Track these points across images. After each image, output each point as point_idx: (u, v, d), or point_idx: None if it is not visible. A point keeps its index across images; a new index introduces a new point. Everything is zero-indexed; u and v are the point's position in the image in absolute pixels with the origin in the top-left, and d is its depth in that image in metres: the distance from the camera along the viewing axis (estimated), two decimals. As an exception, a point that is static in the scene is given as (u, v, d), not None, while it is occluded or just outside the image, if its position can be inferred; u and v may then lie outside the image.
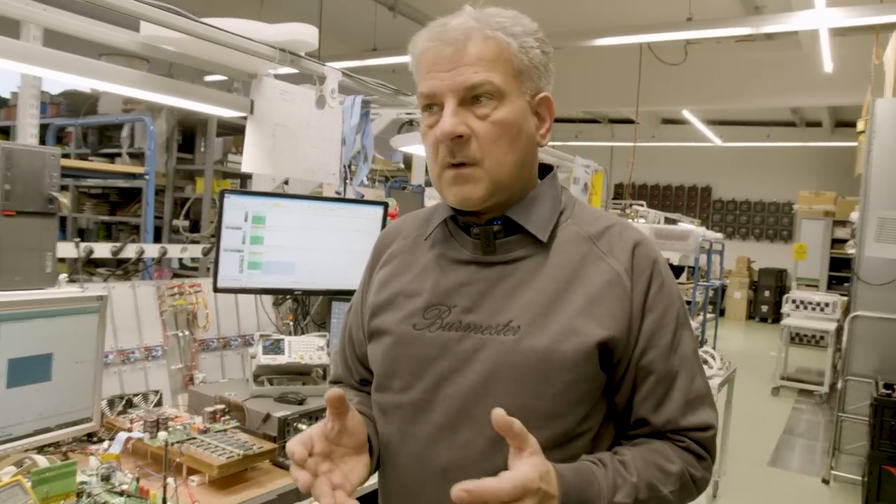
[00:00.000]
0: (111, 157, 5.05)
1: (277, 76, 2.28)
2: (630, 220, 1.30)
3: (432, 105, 0.99)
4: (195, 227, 4.70)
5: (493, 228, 1.02)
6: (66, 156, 5.21)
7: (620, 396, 1.02)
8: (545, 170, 1.11)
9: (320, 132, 2.30)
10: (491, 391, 0.97)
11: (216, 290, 2.09)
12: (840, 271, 9.56)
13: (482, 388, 0.97)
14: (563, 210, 1.06)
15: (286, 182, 2.62)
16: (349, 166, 2.57)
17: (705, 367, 3.43)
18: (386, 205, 2.34)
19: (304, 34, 2.02)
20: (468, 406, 0.98)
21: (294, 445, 0.93)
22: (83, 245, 1.95)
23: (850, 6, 5.15)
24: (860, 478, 4.09)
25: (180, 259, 4.18)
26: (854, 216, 4.92)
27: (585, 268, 1.00)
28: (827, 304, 7.16)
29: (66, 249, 1.86)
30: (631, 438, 1.04)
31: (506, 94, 0.97)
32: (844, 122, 11.61)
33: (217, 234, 2.04)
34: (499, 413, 0.83)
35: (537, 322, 0.97)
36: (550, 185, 1.08)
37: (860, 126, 4.73)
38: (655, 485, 0.97)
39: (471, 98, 0.96)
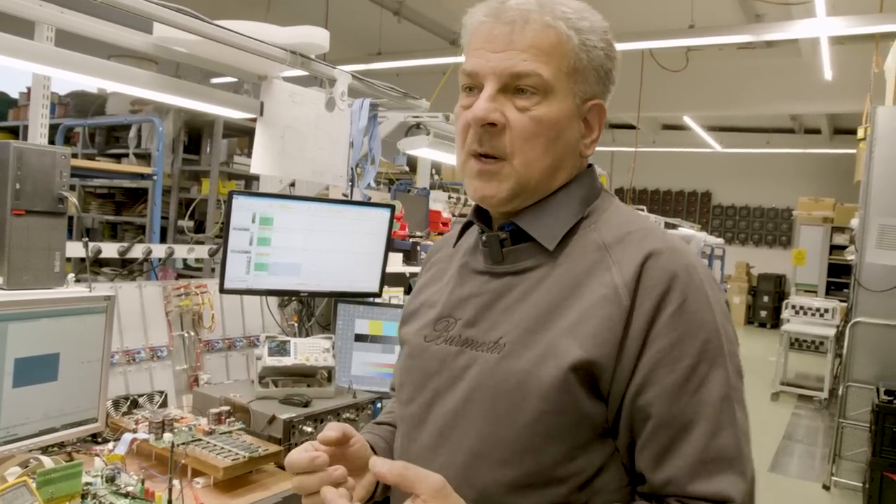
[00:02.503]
0: (118, 158, 5.04)
1: (286, 78, 2.27)
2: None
3: (472, 86, 0.90)
4: (200, 227, 4.69)
5: (500, 235, 0.93)
6: (73, 155, 5.18)
7: (620, 441, 0.85)
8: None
9: (329, 134, 2.28)
10: (467, 413, 0.88)
11: (223, 291, 2.07)
12: (839, 277, 9.54)
13: (461, 410, 0.89)
14: (587, 215, 0.92)
15: (292, 185, 2.60)
16: (356, 168, 2.55)
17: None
18: (393, 207, 2.32)
19: (315, 37, 2.00)
20: (446, 428, 0.90)
21: (296, 453, 0.86)
22: (91, 245, 1.93)
23: (850, 15, 5.14)
24: (861, 484, 4.07)
25: (184, 259, 4.16)
26: (854, 223, 4.90)
27: (589, 280, 0.86)
28: (826, 310, 7.14)
29: (75, 249, 1.84)
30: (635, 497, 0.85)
31: (553, 91, 0.87)
32: (843, 130, 11.61)
33: (224, 236, 2.02)
34: (372, 463, 0.76)
35: (523, 340, 0.86)
36: (577, 187, 0.94)
37: (860, 133, 4.72)
38: None
39: (514, 87, 0.87)
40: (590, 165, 0.98)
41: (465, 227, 1.03)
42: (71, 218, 5.09)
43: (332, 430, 0.87)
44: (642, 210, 8.60)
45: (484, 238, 0.95)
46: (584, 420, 0.83)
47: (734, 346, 0.84)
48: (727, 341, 0.84)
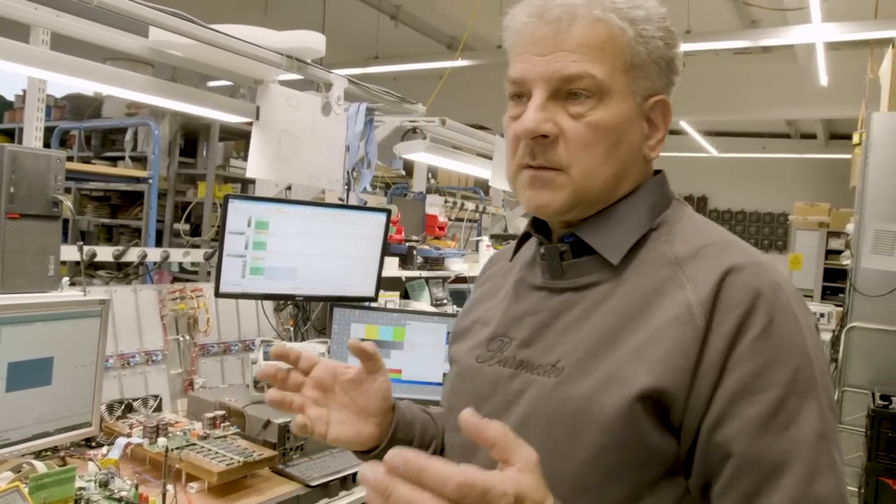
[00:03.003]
0: (114, 161, 5.03)
1: (282, 83, 2.26)
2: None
3: (520, 94, 0.82)
4: (196, 230, 4.68)
5: (560, 248, 0.84)
6: (69, 159, 5.18)
7: (693, 481, 0.74)
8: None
9: (325, 139, 2.28)
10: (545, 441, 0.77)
11: (218, 295, 2.06)
12: (834, 282, 9.55)
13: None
14: (657, 226, 0.83)
15: (288, 188, 2.60)
16: (352, 173, 2.55)
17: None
18: (389, 211, 2.32)
19: (311, 41, 2.00)
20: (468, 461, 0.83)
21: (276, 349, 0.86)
22: (86, 248, 1.92)
23: (846, 21, 5.16)
24: (857, 489, 4.07)
25: (180, 263, 4.16)
26: (850, 228, 4.91)
27: (659, 298, 0.76)
28: (822, 315, 7.14)
29: (70, 252, 1.83)
30: None
31: (609, 92, 0.78)
32: (839, 135, 11.64)
33: (220, 240, 2.01)
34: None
35: (583, 364, 0.77)
36: (645, 195, 0.84)
37: (855, 139, 4.73)
38: None
39: (565, 92, 0.78)
40: (659, 171, 0.89)
41: (523, 239, 0.94)
42: (66, 221, 5.07)
43: (267, 367, 0.85)
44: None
45: (542, 251, 0.86)
46: (652, 456, 0.73)
47: (827, 377, 0.74)
48: (820, 372, 0.72)
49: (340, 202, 2.49)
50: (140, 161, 4.79)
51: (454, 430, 0.88)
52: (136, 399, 1.94)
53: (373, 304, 2.38)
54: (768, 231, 13.99)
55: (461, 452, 0.83)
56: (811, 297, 9.60)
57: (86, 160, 5.08)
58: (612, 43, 0.78)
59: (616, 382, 0.73)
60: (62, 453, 1.70)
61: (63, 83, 1.89)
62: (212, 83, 5.26)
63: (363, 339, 0.91)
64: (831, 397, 0.73)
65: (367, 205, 2.53)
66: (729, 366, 0.71)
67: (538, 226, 0.90)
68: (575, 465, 0.74)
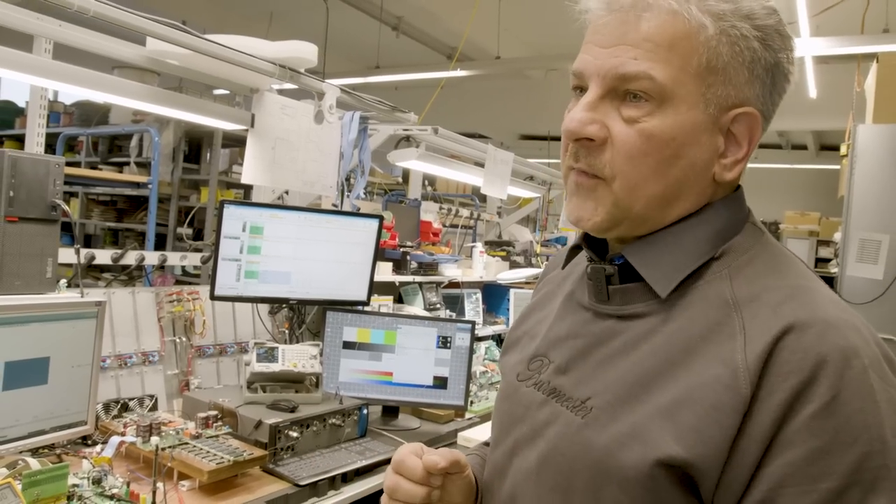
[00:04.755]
0: (120, 166, 5.05)
1: (280, 92, 2.28)
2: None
3: (580, 87, 0.71)
4: (199, 235, 4.69)
5: (607, 271, 0.73)
6: (76, 164, 5.21)
7: None
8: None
9: (319, 146, 2.29)
10: (540, 479, 0.72)
11: (213, 298, 2.07)
12: (823, 289, 9.56)
13: (534, 472, 0.73)
14: (720, 255, 0.69)
15: (286, 192, 2.61)
16: (348, 179, 2.56)
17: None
18: (381, 218, 2.32)
19: (304, 51, 2.01)
20: (518, 489, 0.75)
21: (409, 456, 0.78)
22: (85, 251, 1.93)
23: (833, 36, 5.18)
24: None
25: (183, 266, 4.16)
26: (837, 236, 4.92)
27: (705, 346, 0.64)
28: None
29: (69, 255, 1.84)
30: None
31: (672, 98, 0.65)
32: (828, 146, 11.66)
33: (216, 244, 2.02)
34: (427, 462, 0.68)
35: (613, 408, 0.67)
36: (710, 218, 0.70)
37: (843, 150, 4.73)
38: None
39: (622, 91, 0.67)
40: (738, 188, 0.74)
41: (574, 248, 0.83)
42: (73, 224, 5.10)
43: (443, 458, 0.76)
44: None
45: (589, 270, 0.76)
46: None
47: None
48: (887, 460, 0.57)
49: (335, 208, 2.50)
50: (145, 167, 4.80)
51: (492, 448, 0.84)
52: (133, 399, 1.94)
53: (365, 308, 2.38)
54: (760, 239, 14.02)
55: (494, 474, 0.80)
56: (801, 303, 9.60)
57: (93, 165, 5.11)
58: (686, 40, 0.65)
59: (640, 439, 0.63)
60: (58, 451, 1.70)
61: (69, 92, 1.90)
62: (217, 92, 5.29)
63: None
64: None
65: (361, 211, 2.53)
66: (777, 445, 0.58)
67: (592, 239, 0.78)
68: None
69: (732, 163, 0.70)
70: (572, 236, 4.63)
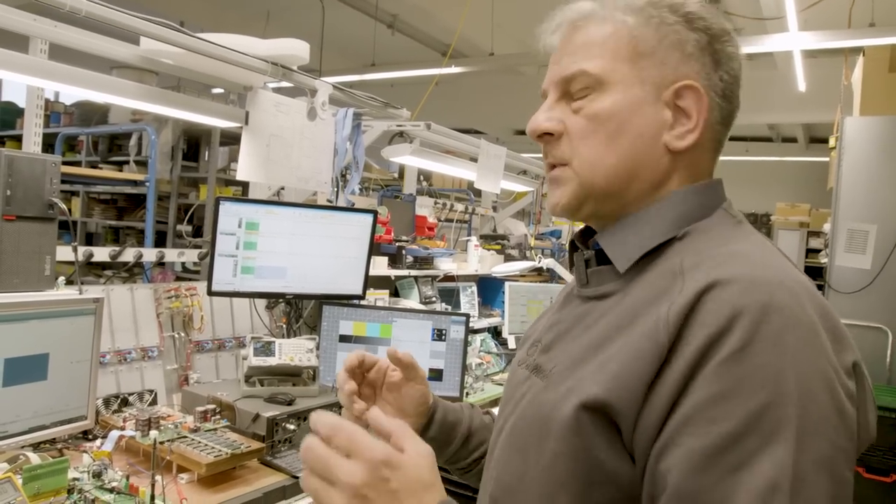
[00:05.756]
0: (120, 165, 5.04)
1: (276, 90, 2.27)
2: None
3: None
4: (198, 232, 4.68)
5: (585, 256, 0.80)
6: (77, 163, 5.19)
7: None
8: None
9: (313, 142, 2.28)
10: (506, 444, 0.77)
11: (210, 293, 2.06)
12: (814, 279, 9.55)
13: (503, 443, 0.78)
14: (682, 236, 0.73)
15: (282, 188, 2.60)
16: (344, 176, 2.55)
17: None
18: (375, 213, 2.32)
19: (295, 49, 2.00)
20: (495, 456, 0.80)
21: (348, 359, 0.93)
22: (83, 249, 1.92)
23: (821, 30, 5.17)
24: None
25: (183, 263, 4.16)
26: (826, 227, 4.92)
27: (647, 310, 0.68)
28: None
29: (69, 253, 1.84)
30: None
31: (608, 83, 0.74)
32: (818, 139, 11.66)
33: (212, 240, 2.01)
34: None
35: (565, 371, 0.72)
36: (677, 201, 0.75)
37: (832, 142, 4.73)
38: None
39: (570, 93, 0.77)
40: (717, 181, 0.79)
41: (572, 247, 0.87)
42: (74, 223, 5.10)
43: (349, 359, 0.91)
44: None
45: (574, 258, 0.83)
46: (605, 476, 0.65)
47: (828, 428, 0.58)
48: (810, 418, 0.58)
49: (329, 204, 2.49)
50: (145, 165, 4.80)
51: (494, 428, 0.87)
52: (132, 394, 1.94)
53: (361, 302, 2.38)
54: (751, 231, 14.03)
55: (490, 452, 0.84)
56: (792, 293, 9.61)
57: (93, 164, 5.10)
58: (612, 36, 0.74)
59: (575, 391, 0.68)
60: (59, 445, 1.70)
61: (68, 92, 1.89)
62: (215, 90, 5.27)
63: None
64: (823, 452, 0.58)
65: (355, 206, 2.53)
66: (688, 389, 0.60)
67: (587, 233, 0.85)
68: (537, 470, 0.70)
69: (683, 132, 0.74)
70: (566, 230, 4.63)
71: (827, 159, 7.05)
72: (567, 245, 0.93)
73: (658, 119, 0.74)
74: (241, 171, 2.13)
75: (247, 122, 2.10)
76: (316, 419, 0.63)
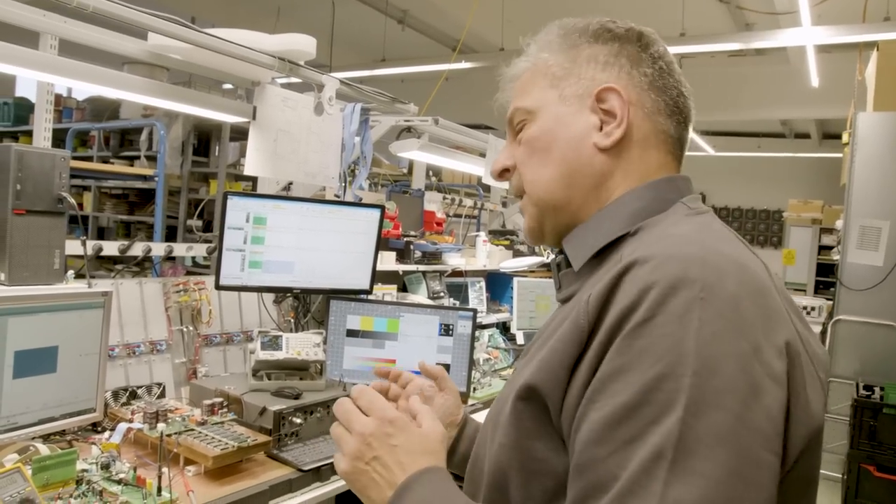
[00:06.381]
0: (131, 160, 5.07)
1: (284, 85, 2.27)
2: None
3: None
4: (209, 226, 4.70)
5: (556, 260, 0.84)
6: (88, 158, 5.23)
7: None
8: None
9: (320, 137, 2.29)
10: (482, 439, 0.83)
11: (218, 287, 2.07)
12: (826, 276, 9.49)
13: (477, 443, 0.85)
14: (635, 231, 0.74)
15: (291, 184, 2.61)
16: (352, 170, 2.55)
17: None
18: (383, 208, 2.32)
19: (302, 44, 2.01)
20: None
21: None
22: (92, 243, 1.93)
23: (835, 25, 5.11)
24: (840, 475, 4.04)
25: (193, 258, 4.18)
26: (839, 224, 4.88)
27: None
28: (813, 308, 7.10)
29: (77, 247, 1.85)
30: None
31: (537, 111, 0.81)
32: (831, 134, 11.53)
33: (220, 235, 2.02)
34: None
35: (522, 366, 0.77)
36: (630, 199, 0.76)
37: (845, 138, 4.68)
38: None
39: (517, 129, 0.84)
40: (682, 177, 0.81)
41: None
42: (86, 217, 5.14)
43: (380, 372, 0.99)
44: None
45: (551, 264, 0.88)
46: (539, 466, 0.68)
47: (732, 402, 0.56)
48: (707, 389, 0.56)
49: (337, 199, 2.50)
50: (155, 160, 4.82)
51: None
52: (141, 387, 1.95)
53: (368, 297, 2.38)
54: (763, 227, 13.90)
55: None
56: (804, 291, 9.55)
57: (105, 159, 5.13)
58: (537, 73, 0.82)
59: (515, 384, 0.73)
60: (69, 437, 1.71)
61: (80, 87, 1.90)
62: (226, 86, 5.29)
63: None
64: (720, 424, 0.56)
65: (363, 201, 2.53)
66: (598, 364, 0.62)
67: None
68: (491, 460, 0.75)
69: (609, 130, 0.77)
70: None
71: (840, 155, 6.98)
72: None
73: (584, 124, 0.78)
74: (249, 166, 2.14)
75: (254, 118, 2.10)
76: (352, 388, 0.80)
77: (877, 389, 3.67)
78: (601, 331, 0.62)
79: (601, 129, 0.77)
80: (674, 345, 0.57)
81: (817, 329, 6.83)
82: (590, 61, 0.79)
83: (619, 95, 0.77)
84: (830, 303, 6.71)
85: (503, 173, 0.85)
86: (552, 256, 1.02)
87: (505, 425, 0.72)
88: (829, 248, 8.58)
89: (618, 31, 0.80)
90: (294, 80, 2.20)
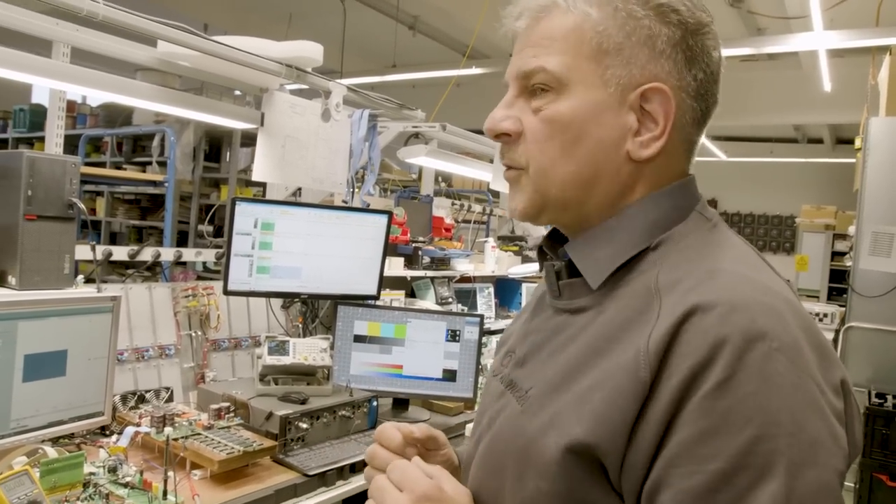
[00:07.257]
0: (143, 166, 5.11)
1: (293, 92, 2.29)
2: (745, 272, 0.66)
3: None
4: (219, 232, 4.73)
5: (555, 267, 0.75)
6: (101, 164, 5.28)
7: None
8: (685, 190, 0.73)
9: (328, 143, 2.30)
10: (484, 463, 0.75)
11: (226, 293, 2.09)
12: (839, 283, 9.40)
13: (479, 461, 0.76)
14: (656, 246, 0.68)
15: (299, 190, 2.62)
16: (361, 177, 2.56)
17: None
18: (390, 214, 2.33)
19: (309, 51, 2.02)
20: (471, 473, 0.77)
21: (390, 428, 0.79)
22: (102, 248, 1.95)
23: (847, 29, 5.07)
24: (852, 484, 4.00)
25: (204, 263, 4.21)
26: (851, 230, 4.83)
27: (624, 335, 0.64)
28: (826, 315, 7.03)
29: (87, 252, 1.87)
30: None
31: (568, 83, 0.67)
32: (844, 140, 11.44)
33: (228, 240, 2.04)
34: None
35: (543, 397, 0.69)
36: (648, 207, 0.70)
37: (857, 143, 4.65)
38: None
39: (530, 87, 0.70)
40: (689, 177, 0.74)
41: (541, 251, 0.81)
42: (98, 222, 5.19)
43: (419, 430, 0.80)
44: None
45: (544, 268, 0.78)
46: None
47: (822, 453, 0.56)
48: (802, 446, 0.55)
49: (344, 204, 2.51)
50: (167, 166, 4.87)
51: (470, 438, 0.85)
52: (149, 391, 1.97)
53: (376, 302, 2.39)
54: (776, 233, 13.80)
55: (466, 462, 0.81)
56: (817, 297, 9.46)
57: (118, 165, 5.18)
58: (574, 30, 0.67)
59: (556, 427, 0.64)
60: (77, 440, 1.73)
61: (92, 94, 1.93)
62: (238, 93, 5.33)
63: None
64: (817, 480, 0.55)
65: (371, 207, 2.54)
66: (673, 426, 0.57)
67: (556, 236, 0.79)
68: (516, 501, 0.68)
69: (649, 140, 0.68)
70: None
71: (853, 160, 6.92)
72: (535, 251, 0.88)
73: (621, 125, 0.68)
74: (257, 172, 2.16)
75: (262, 124, 2.12)
76: (380, 432, 0.78)
77: (889, 397, 3.63)
78: (669, 387, 0.58)
79: (637, 132, 0.68)
80: (761, 404, 0.55)
81: (831, 335, 6.77)
82: (645, 44, 0.67)
83: (669, 100, 0.67)
84: (843, 309, 6.66)
85: (501, 136, 0.72)
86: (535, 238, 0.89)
87: (547, 474, 0.64)
88: (843, 254, 8.51)
89: (687, 14, 0.68)
90: (302, 86, 2.22)
